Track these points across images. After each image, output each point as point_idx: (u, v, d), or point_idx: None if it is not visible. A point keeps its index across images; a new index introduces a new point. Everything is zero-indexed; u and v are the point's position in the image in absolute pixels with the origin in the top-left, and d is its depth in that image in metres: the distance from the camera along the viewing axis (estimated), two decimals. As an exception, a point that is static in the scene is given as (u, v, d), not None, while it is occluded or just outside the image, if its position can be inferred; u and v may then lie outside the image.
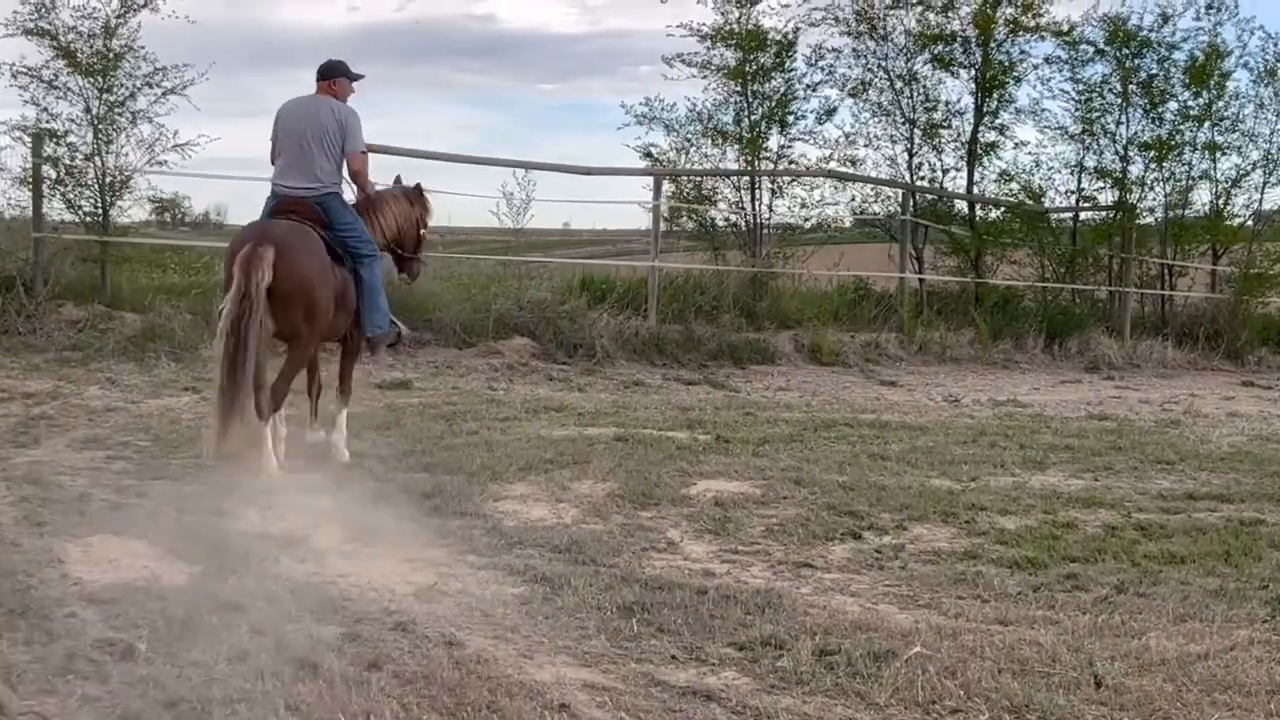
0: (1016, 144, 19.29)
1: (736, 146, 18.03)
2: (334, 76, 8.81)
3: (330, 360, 9.66)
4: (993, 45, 18.58)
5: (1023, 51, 18.96)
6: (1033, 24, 18.69)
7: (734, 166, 18.13)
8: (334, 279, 8.38)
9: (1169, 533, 7.27)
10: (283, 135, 8.62)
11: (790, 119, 18.23)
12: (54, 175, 14.29)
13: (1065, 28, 18.82)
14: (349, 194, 8.90)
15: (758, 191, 18.02)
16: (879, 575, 6.30)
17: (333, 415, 8.85)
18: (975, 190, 19.24)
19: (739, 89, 17.92)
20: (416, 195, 9.59)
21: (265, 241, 7.92)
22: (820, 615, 5.50)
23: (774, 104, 18.00)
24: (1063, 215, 20.04)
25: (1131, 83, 18.85)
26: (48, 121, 14.27)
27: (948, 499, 7.93)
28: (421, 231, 9.61)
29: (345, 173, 8.66)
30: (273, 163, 8.67)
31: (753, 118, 17.94)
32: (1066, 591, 6.04)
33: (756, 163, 17.98)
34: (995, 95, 18.86)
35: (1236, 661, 4.99)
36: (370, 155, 13.48)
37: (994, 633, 5.30)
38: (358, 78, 8.93)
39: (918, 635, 5.21)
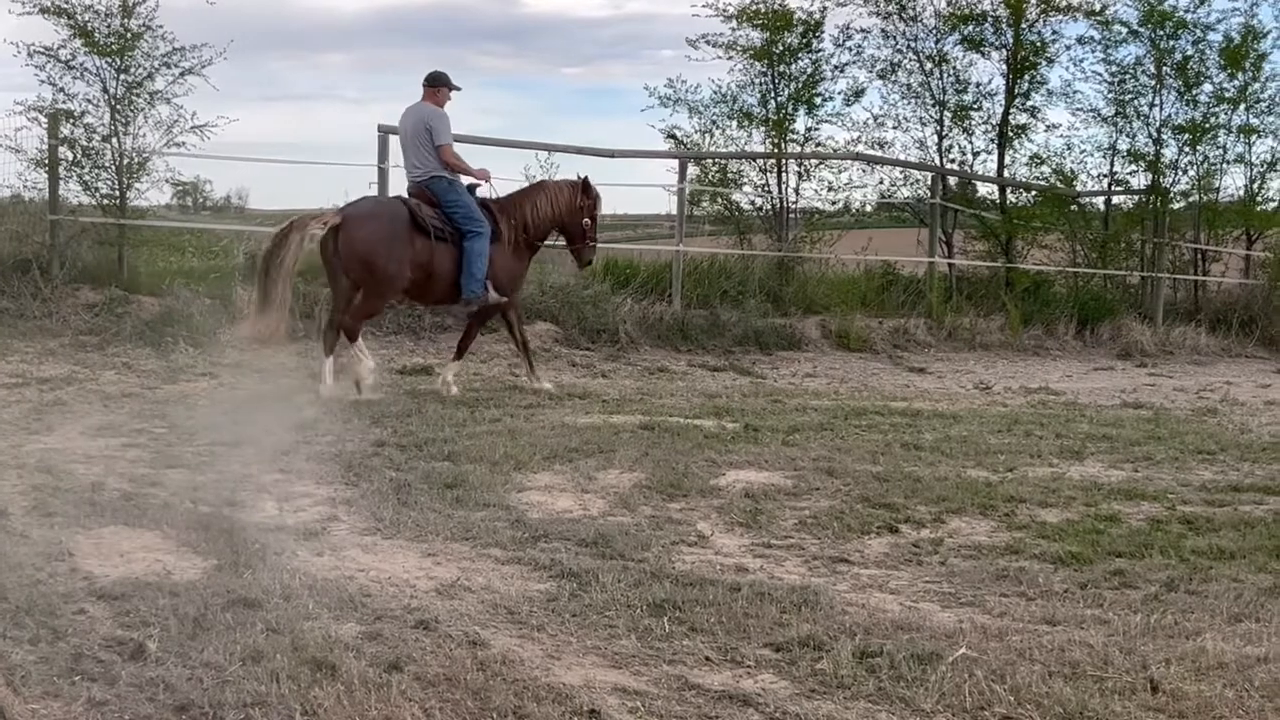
0: (1048, 126, 19.02)
1: (762, 129, 17.78)
2: (436, 86, 11.05)
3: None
4: (1024, 25, 18.28)
5: (1055, 32, 18.70)
6: (1065, 4, 18.40)
7: (760, 149, 17.88)
8: (407, 249, 10.50)
9: (1216, 526, 7.02)
10: (402, 136, 11.12)
11: (817, 100, 17.97)
12: (71, 157, 14.09)
13: (1098, 7, 18.54)
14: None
15: (784, 174, 17.77)
16: (918, 571, 6.07)
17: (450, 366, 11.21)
18: (1006, 174, 18.96)
19: (765, 70, 17.66)
20: (583, 187, 11.42)
21: (341, 212, 10.67)
22: (859, 614, 5.27)
23: (801, 85, 17.73)
24: (1095, 199, 19.75)
25: (1165, 64, 18.55)
26: (64, 102, 14.08)
27: (985, 490, 7.69)
28: (585, 220, 11.44)
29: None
30: None
31: (779, 99, 17.68)
32: (1114, 589, 5.79)
33: (783, 145, 17.72)
34: (1027, 77, 18.56)
35: (1299, 665, 4.75)
36: (395, 138, 13.92)
37: (1042, 633, 5.07)
38: (456, 89, 11.15)
39: (962, 636, 4.98)
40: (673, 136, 17.84)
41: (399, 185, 14.77)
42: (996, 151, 18.80)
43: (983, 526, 6.95)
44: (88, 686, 4.17)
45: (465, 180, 11.00)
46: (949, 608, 5.48)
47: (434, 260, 10.61)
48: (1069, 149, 19.20)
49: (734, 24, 17.56)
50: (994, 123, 18.72)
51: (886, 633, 5.00)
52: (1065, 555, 6.27)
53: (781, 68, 17.65)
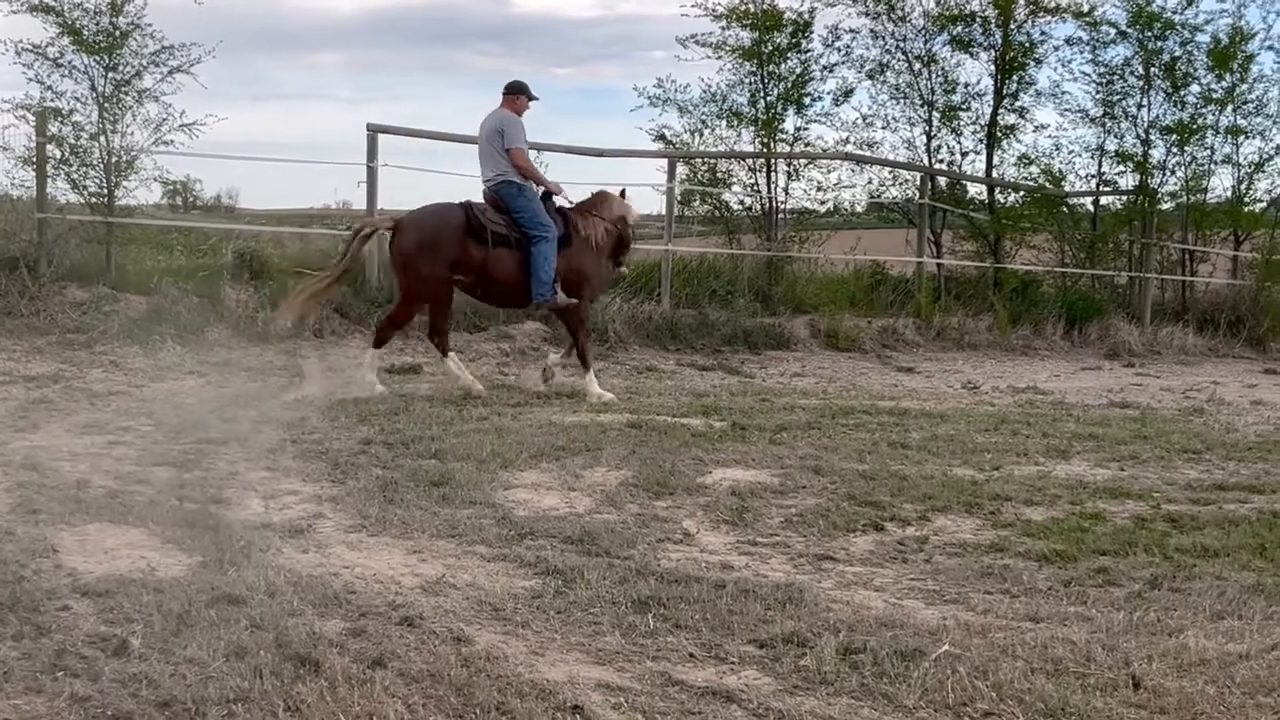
0: (1036, 127, 19.05)
1: (752, 128, 17.78)
2: (515, 94, 11.26)
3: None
4: (1013, 26, 18.31)
5: (1043, 33, 18.71)
6: (1053, 5, 18.42)
7: (749, 149, 17.88)
8: (457, 253, 10.74)
9: (1200, 525, 7.03)
10: (479, 143, 11.19)
11: (806, 100, 17.98)
12: (59, 155, 14.07)
13: (1086, 8, 18.56)
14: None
15: (773, 174, 17.78)
16: (903, 569, 6.08)
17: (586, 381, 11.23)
18: (994, 174, 18.99)
19: (754, 70, 17.67)
20: (621, 198, 11.74)
21: (400, 218, 11.11)
22: (843, 611, 5.28)
23: (790, 85, 17.74)
24: (1083, 200, 19.79)
25: (1153, 65, 18.58)
26: (52, 100, 14.05)
27: (971, 489, 7.71)
28: (631, 230, 11.92)
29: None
30: None
31: (768, 99, 17.69)
32: (1098, 586, 5.80)
33: (772, 145, 17.73)
34: (1015, 77, 18.59)
35: (1280, 662, 4.77)
36: (383, 136, 13.93)
37: (1025, 630, 5.08)
38: (535, 98, 11.36)
39: (946, 633, 4.99)
40: (662, 136, 17.85)
41: (388, 184, 14.81)
42: (985, 152, 18.85)
43: (968, 524, 6.96)
44: (71, 682, 4.16)
45: (539, 188, 11.23)
46: (933, 605, 5.49)
47: (490, 264, 10.78)
48: (1057, 149, 19.31)
49: (723, 24, 17.59)
50: (982, 123, 18.75)
51: (870, 629, 5.00)
52: (1049, 553, 6.28)
53: (771, 67, 17.66)
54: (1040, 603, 5.50)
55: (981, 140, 18.80)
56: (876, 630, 4.99)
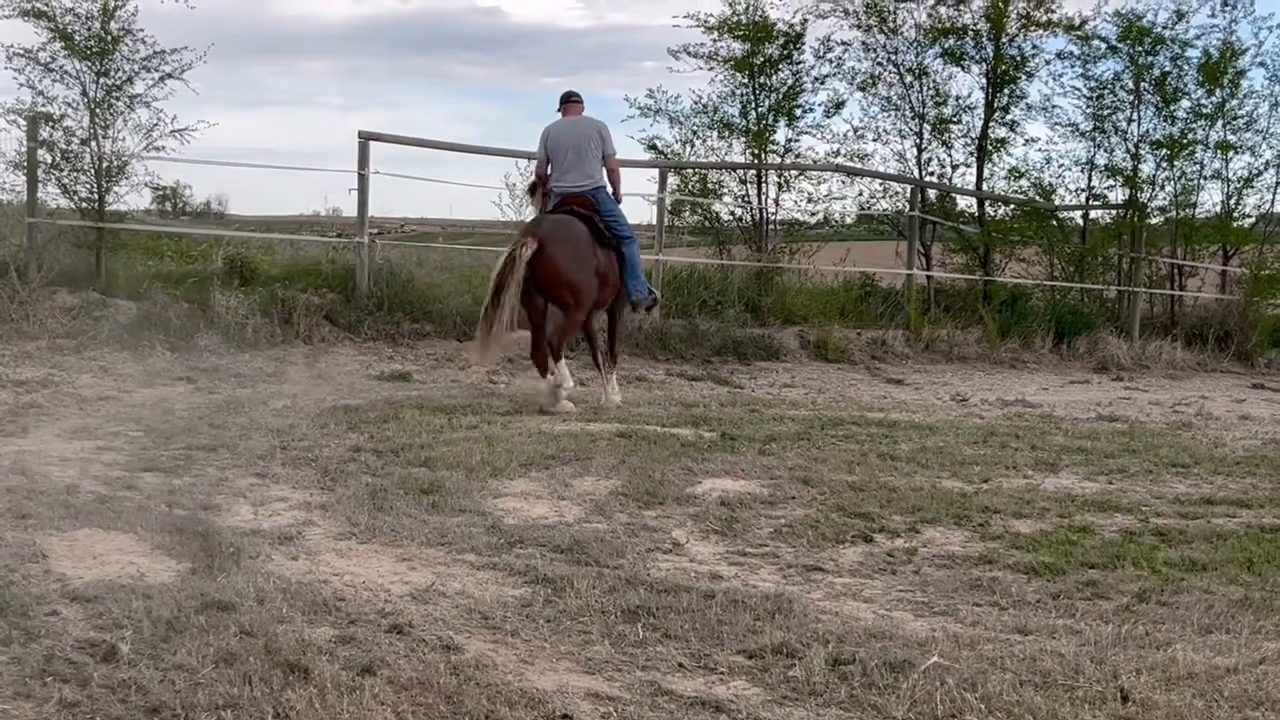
0: (1027, 140, 19.04)
1: (743, 140, 17.80)
2: (580, 102, 11.70)
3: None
4: (1004, 40, 18.34)
5: (1035, 47, 18.73)
6: (1045, 19, 18.45)
7: (740, 160, 17.91)
8: (595, 259, 10.99)
9: (1189, 539, 7.05)
10: (558, 148, 11.34)
11: (798, 112, 17.97)
12: (49, 159, 14.04)
13: (1078, 23, 18.59)
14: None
15: (764, 185, 17.79)
16: (892, 580, 6.09)
17: (606, 375, 11.57)
18: (985, 187, 19.02)
19: (745, 81, 17.68)
20: None
21: (534, 236, 10.74)
22: (832, 622, 5.29)
23: (781, 97, 17.75)
24: (1073, 213, 19.83)
25: (1144, 80, 18.61)
26: (43, 105, 14.02)
27: (960, 501, 7.72)
28: None
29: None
30: (540, 173, 11.60)
31: (759, 110, 17.71)
32: (1086, 599, 5.82)
33: (763, 156, 17.76)
34: (1006, 91, 18.60)
35: (1267, 676, 4.77)
36: (375, 144, 13.98)
37: (1014, 642, 5.10)
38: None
39: (935, 644, 5.00)
40: (653, 147, 17.86)
41: (379, 191, 14.79)
42: (975, 165, 18.86)
43: (957, 536, 6.97)
44: (60, 688, 4.16)
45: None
46: (922, 616, 5.50)
47: (610, 268, 11.24)
48: (1048, 163, 19.27)
49: (715, 35, 17.59)
50: (973, 136, 18.77)
51: (859, 641, 5.01)
52: (1038, 565, 6.29)
53: (762, 79, 17.67)
54: (1029, 615, 5.52)
55: (972, 153, 18.83)
56: (866, 641, 5.01)
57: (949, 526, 7.17)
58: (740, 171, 17.84)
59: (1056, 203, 19.33)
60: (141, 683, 4.19)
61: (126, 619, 4.80)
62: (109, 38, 13.98)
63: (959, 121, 18.77)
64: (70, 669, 4.31)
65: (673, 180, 17.51)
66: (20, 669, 4.29)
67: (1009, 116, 18.84)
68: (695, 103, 17.78)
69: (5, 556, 5.57)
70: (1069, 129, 19.06)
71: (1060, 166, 19.35)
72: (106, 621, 4.78)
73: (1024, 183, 19.05)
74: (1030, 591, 5.89)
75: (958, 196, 19.51)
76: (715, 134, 17.90)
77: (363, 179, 14.73)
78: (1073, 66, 18.86)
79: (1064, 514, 7.54)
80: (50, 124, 13.99)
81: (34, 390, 10.36)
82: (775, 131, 17.87)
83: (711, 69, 17.73)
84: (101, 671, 4.29)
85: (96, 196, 14.12)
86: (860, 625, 5.27)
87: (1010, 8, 18.25)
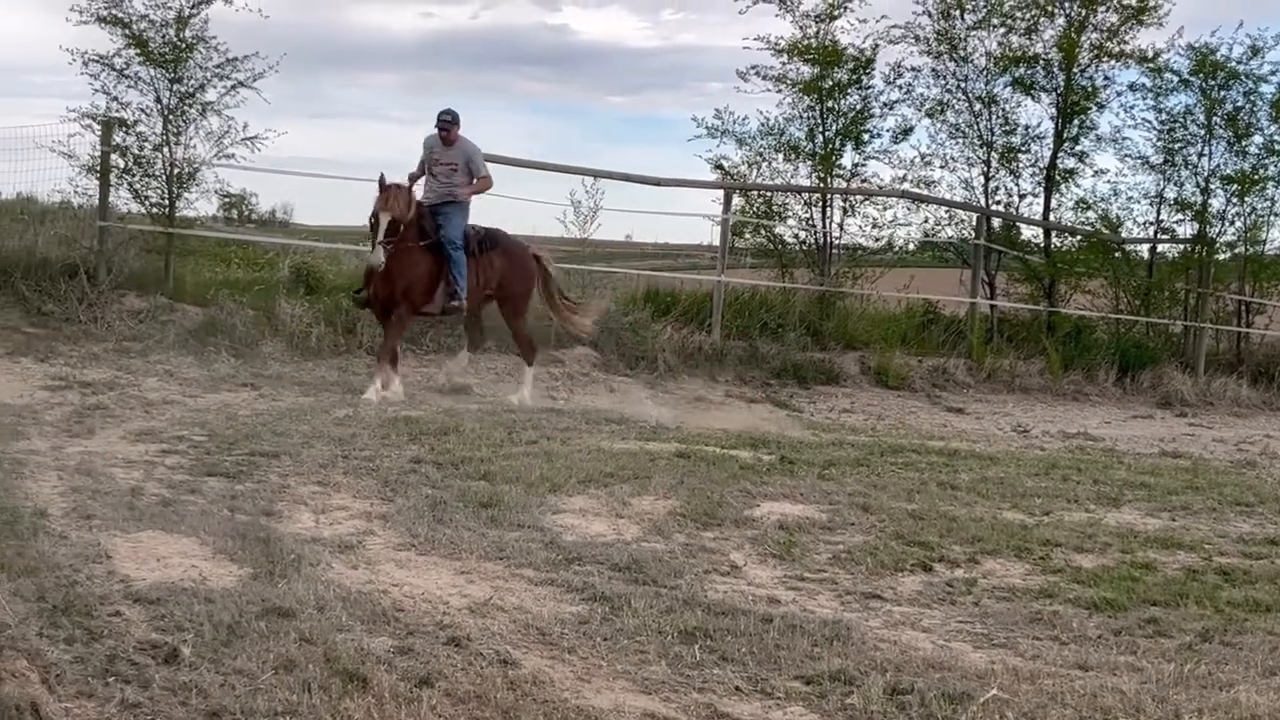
0: (1096, 172, 18.90)
1: (809, 163, 17.78)
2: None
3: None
4: (1076, 70, 18.22)
5: (1106, 78, 18.61)
6: (1117, 50, 18.33)
7: (805, 183, 17.88)
8: None
9: (1252, 579, 6.95)
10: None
11: (865, 137, 17.95)
12: (122, 164, 14.25)
13: (1150, 55, 18.43)
14: None
15: (829, 209, 17.75)
16: (951, 610, 6.04)
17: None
18: (1052, 217, 18.88)
19: (813, 104, 17.66)
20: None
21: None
22: (891, 651, 5.25)
23: (849, 121, 17.73)
24: (1139, 246, 19.65)
25: (1216, 114, 18.44)
26: (118, 110, 14.23)
27: (1021, 533, 7.65)
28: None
29: None
30: None
31: (826, 134, 17.68)
32: (1148, 637, 5.75)
33: (829, 180, 17.72)
34: (1076, 121, 18.48)
35: (1333, 721, 4.70)
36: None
37: (1074, 678, 5.04)
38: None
39: (994, 677, 4.95)
40: (719, 167, 17.86)
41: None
42: (1043, 195, 18.74)
43: (1017, 569, 6.91)
44: (121, 688, 4.19)
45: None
46: (981, 648, 5.46)
47: None
48: (1115, 195, 19.12)
49: (784, 58, 17.60)
50: (1041, 166, 18.66)
51: (918, 670, 4.98)
52: (1100, 601, 6.22)
53: (830, 103, 17.65)
54: (1090, 651, 5.45)
55: (1040, 183, 18.71)
56: (924, 671, 4.97)
57: (1009, 558, 7.10)
58: (805, 194, 17.81)
59: (1124, 235, 19.16)
60: (202, 686, 4.22)
61: (188, 622, 4.83)
62: (183, 45, 14.18)
63: (1027, 151, 18.67)
64: (132, 670, 4.35)
65: (737, 201, 17.51)
66: (83, 668, 4.33)
67: (1078, 147, 18.73)
68: (762, 124, 17.79)
69: (70, 557, 5.63)
70: (1138, 161, 18.93)
71: (1129, 199, 19.20)
72: (169, 624, 4.82)
73: (1091, 214, 18.93)
74: (1091, 627, 5.83)
75: (1023, 226, 19.37)
76: (781, 156, 17.89)
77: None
78: (1144, 99, 18.74)
79: (1126, 549, 7.45)
80: (124, 129, 14.19)
81: (100, 392, 10.48)
82: (842, 155, 17.86)
83: (779, 91, 17.74)
84: (163, 673, 4.32)
85: (167, 202, 14.30)
86: (919, 655, 5.23)
87: (1083, 38, 18.14)
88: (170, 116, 14.21)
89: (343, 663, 4.50)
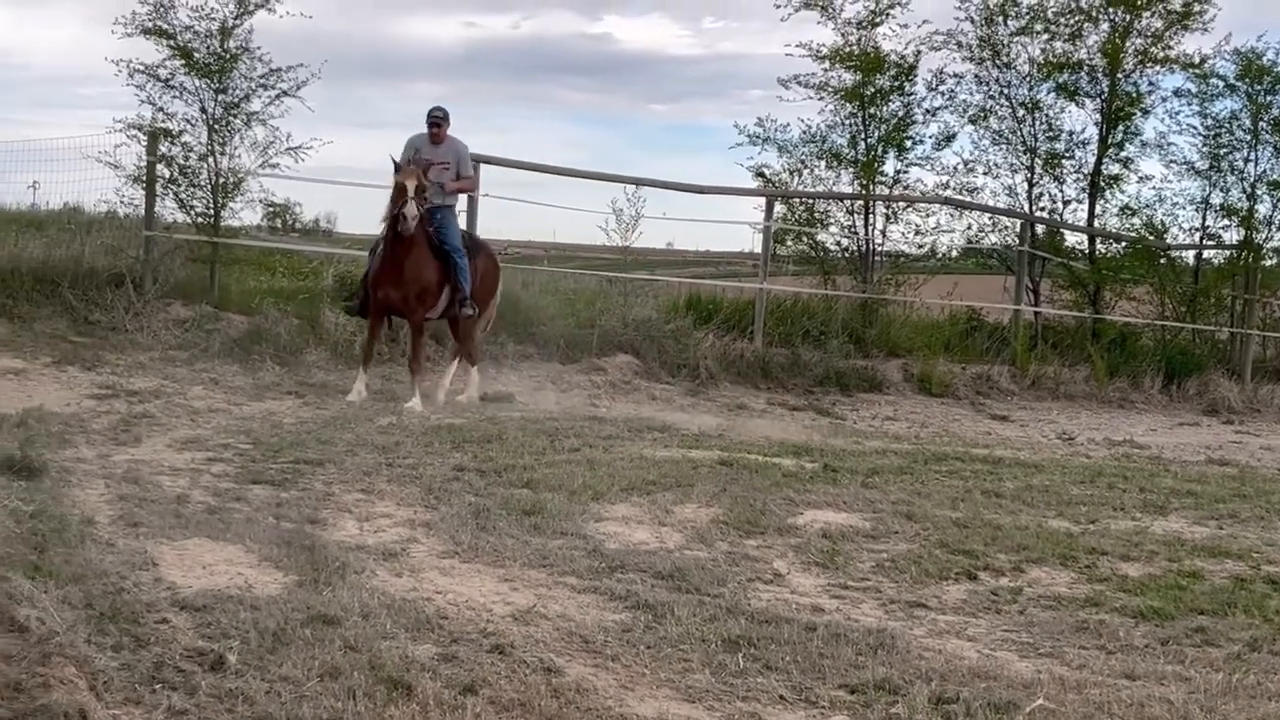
0: (1141, 178, 18.77)
1: (851, 170, 17.74)
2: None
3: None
4: (1120, 76, 18.11)
5: (1151, 83, 18.49)
6: (1163, 55, 18.20)
7: (848, 190, 17.84)
8: None
9: (1302, 588, 6.88)
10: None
11: (908, 143, 17.90)
12: (168, 174, 14.36)
13: (1196, 60, 18.29)
14: None
15: (871, 216, 17.70)
16: (996, 619, 6.01)
17: None
18: (1096, 224, 18.77)
19: (855, 111, 17.63)
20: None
21: None
22: (936, 660, 5.22)
23: (891, 128, 17.69)
24: (1185, 253, 19.50)
25: (1262, 119, 18.28)
26: (163, 121, 14.35)
27: (1066, 541, 7.59)
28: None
29: None
30: None
31: (869, 141, 17.64)
32: (1196, 646, 5.70)
33: (871, 187, 17.68)
34: (1121, 127, 18.36)
35: (1385, 732, 4.65)
36: (486, 168, 14.12)
37: (1121, 687, 5.00)
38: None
39: (1040, 687, 4.92)
40: (761, 175, 17.84)
41: (487, 213, 14.92)
42: (1087, 201, 18.62)
43: (1063, 577, 6.86)
44: (168, 695, 4.22)
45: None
46: (1027, 657, 5.42)
47: None
48: (1161, 201, 18.97)
49: (826, 65, 17.58)
50: (1086, 172, 18.54)
51: (963, 680, 4.95)
52: (1146, 610, 6.17)
53: (872, 109, 17.62)
54: (1137, 660, 5.41)
55: (1084, 189, 18.60)
56: (969, 681, 4.94)
57: (1055, 567, 7.05)
58: (847, 201, 17.77)
59: (1169, 241, 19.02)
60: (248, 693, 4.24)
61: (234, 629, 4.86)
62: (227, 55, 14.27)
63: (1071, 157, 18.56)
64: (179, 677, 4.37)
65: (779, 209, 17.49)
66: (130, 675, 4.35)
67: (1123, 153, 18.61)
68: (804, 132, 17.77)
69: (118, 564, 5.66)
70: (1184, 167, 18.78)
71: (1174, 205, 19.03)
72: (215, 631, 4.85)
73: (1136, 220, 18.77)
74: (1138, 636, 5.79)
75: (1067, 232, 19.26)
76: (823, 163, 17.86)
77: (473, 201, 14.86)
78: (1189, 104, 18.59)
79: (1173, 558, 7.39)
80: (169, 139, 14.30)
81: (147, 400, 10.55)
82: (884, 162, 17.81)
83: (821, 98, 17.72)
84: (209, 680, 4.34)
85: (212, 212, 14.40)
86: (964, 664, 5.20)
87: (1127, 43, 18.03)
88: (215, 126, 14.31)
89: (387, 670, 4.51)
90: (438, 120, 12.04)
